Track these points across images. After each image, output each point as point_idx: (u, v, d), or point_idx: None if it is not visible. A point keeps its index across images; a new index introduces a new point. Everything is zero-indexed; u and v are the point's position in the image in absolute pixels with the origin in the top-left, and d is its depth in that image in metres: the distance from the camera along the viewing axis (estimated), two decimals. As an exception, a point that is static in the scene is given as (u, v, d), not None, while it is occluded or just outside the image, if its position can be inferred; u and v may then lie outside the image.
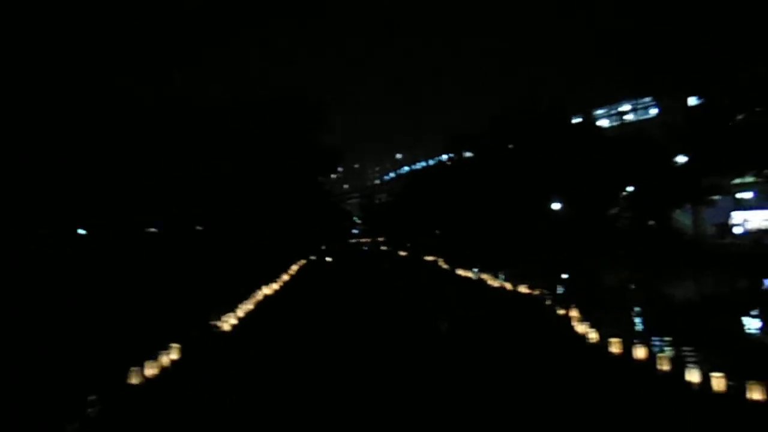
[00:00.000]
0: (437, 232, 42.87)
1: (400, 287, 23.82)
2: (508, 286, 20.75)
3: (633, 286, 22.12)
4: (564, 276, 25.28)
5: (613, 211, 22.68)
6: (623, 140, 22.41)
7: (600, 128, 25.67)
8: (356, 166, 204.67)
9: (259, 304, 18.55)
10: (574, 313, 14.17)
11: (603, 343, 11.63)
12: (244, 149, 23.94)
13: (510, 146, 28.63)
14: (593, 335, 12.07)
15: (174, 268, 17.08)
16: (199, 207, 20.50)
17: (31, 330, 11.39)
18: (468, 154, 35.83)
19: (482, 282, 24.41)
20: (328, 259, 49.46)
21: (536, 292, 18.36)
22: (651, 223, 25.63)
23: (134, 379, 9.35)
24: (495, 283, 22.49)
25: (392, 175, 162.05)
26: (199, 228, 20.36)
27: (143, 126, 18.68)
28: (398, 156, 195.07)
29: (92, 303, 13.40)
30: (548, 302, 16.49)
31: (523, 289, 19.54)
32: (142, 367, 9.72)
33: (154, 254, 17.89)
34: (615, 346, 11.00)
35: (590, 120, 24.71)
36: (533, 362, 10.48)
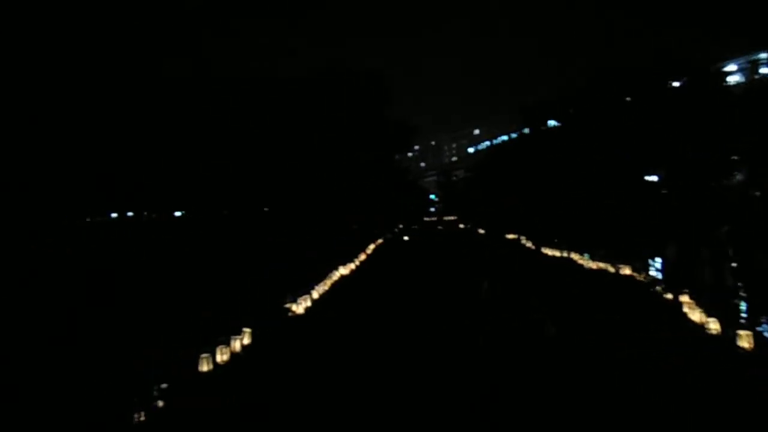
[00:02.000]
0: (519, 208, 40.79)
1: (483, 268, 22.43)
2: (607, 266, 18.79)
3: (734, 265, 19.69)
4: (657, 255, 22.96)
5: (729, 182, 19.94)
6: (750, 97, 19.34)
7: (723, 83, 22.34)
8: (433, 143, 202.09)
9: (335, 286, 18.07)
10: (684, 298, 12.38)
11: (727, 336, 9.93)
12: (315, 126, 23.39)
13: (601, 112, 26.02)
14: (714, 326, 10.35)
15: (245, 251, 16.87)
16: (271, 188, 20.21)
17: (95, 317, 11.37)
18: (552, 124, 33.35)
19: (573, 262, 22.53)
20: (405, 238, 48.84)
21: (641, 276, 16.34)
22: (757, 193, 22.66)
23: (205, 366, 8.99)
24: (590, 264, 20.51)
25: (470, 150, 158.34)
26: (269, 209, 20.05)
27: (205, 105, 18.54)
28: (476, 131, 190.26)
29: (165, 287, 13.36)
30: (656, 287, 14.57)
31: (625, 270, 17.53)
32: (213, 353, 9.36)
33: (225, 237, 17.79)
34: (744, 340, 9.29)
35: (706, 74, 21.63)
36: (651, 362, 8.88)
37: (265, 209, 19.88)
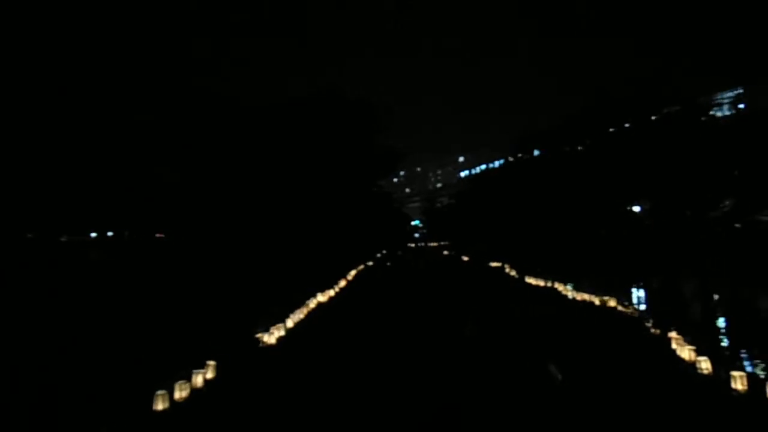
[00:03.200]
0: (502, 236, 40.50)
1: (466, 298, 21.80)
2: (592, 298, 18.26)
3: (717, 297, 19.37)
4: (641, 287, 22.57)
5: (715, 213, 19.71)
6: (734, 129, 19.29)
7: (707, 116, 22.28)
8: (418, 169, 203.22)
9: (312, 313, 17.32)
10: (673, 335, 11.91)
11: (719, 376, 9.45)
12: (295, 150, 22.86)
13: (587, 142, 25.94)
14: (705, 365, 9.85)
15: (215, 278, 16.09)
16: (245, 212, 19.50)
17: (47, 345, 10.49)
18: (537, 153, 33.33)
19: (557, 293, 22.02)
20: (388, 264, 48.20)
21: (628, 309, 15.77)
22: (737, 225, 22.66)
23: (160, 405, 8.22)
24: (575, 294, 19.99)
25: (456, 177, 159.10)
26: (244, 234, 19.30)
27: (186, 126, 18.01)
28: (461, 159, 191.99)
29: (125, 316, 12.51)
30: (644, 322, 14.06)
31: (611, 303, 16.99)
32: (171, 389, 8.60)
33: (194, 262, 17.00)
34: (738, 382, 8.80)
35: (694, 107, 21.57)
36: (646, 407, 8.30)
37: (239, 234, 19.14)
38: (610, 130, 24.52)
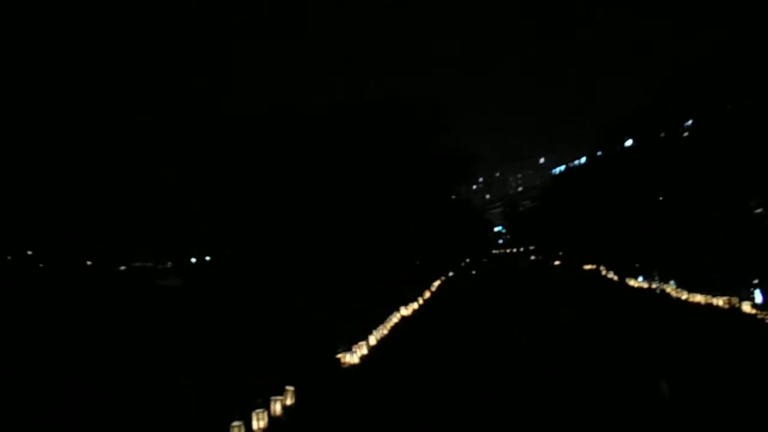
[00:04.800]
0: (595, 237, 37.77)
1: (564, 306, 19.99)
2: (711, 300, 15.92)
3: None
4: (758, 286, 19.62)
5: None
6: None
7: None
8: (497, 174, 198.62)
9: (395, 328, 16.48)
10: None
11: None
12: (368, 160, 22.29)
13: (687, 124, 23.28)
14: None
15: (292, 296, 15.69)
16: (322, 226, 19.10)
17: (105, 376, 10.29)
18: (628, 143, 30.68)
19: (668, 296, 19.68)
20: (473, 272, 46.62)
21: (764, 314, 13.32)
22: None
23: (236, 437, 7.65)
24: (688, 296, 17.60)
25: (538, 179, 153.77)
26: (320, 249, 18.89)
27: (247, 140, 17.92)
28: (541, 160, 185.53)
29: (195, 339, 12.30)
30: None
31: (745, 307, 14.49)
32: (248, 420, 8.02)
33: (267, 281, 16.74)
34: None
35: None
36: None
37: (316, 249, 18.78)
38: (725, 106, 21.55)
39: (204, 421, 7.94)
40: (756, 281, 19.88)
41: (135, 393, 9.29)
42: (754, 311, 13.92)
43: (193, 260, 23.45)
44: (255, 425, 8.12)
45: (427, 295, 26.08)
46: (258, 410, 8.28)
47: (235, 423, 7.72)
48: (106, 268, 20.69)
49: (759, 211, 23.60)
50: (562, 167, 67.88)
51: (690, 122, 23.47)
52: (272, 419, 8.52)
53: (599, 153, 37.44)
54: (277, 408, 8.81)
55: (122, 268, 22.71)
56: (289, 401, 9.17)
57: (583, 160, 49.94)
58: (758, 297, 17.17)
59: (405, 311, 19.59)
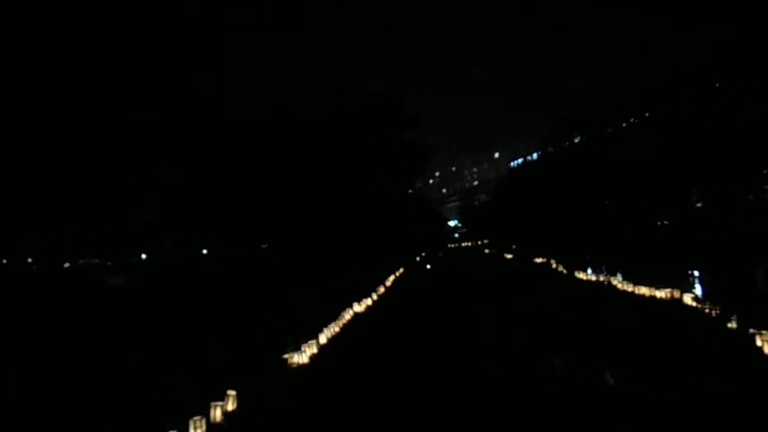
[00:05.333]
0: (546, 231, 38.61)
1: (516, 298, 20.27)
2: (654, 292, 16.41)
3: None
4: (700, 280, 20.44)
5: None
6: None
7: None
8: (453, 168, 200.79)
9: (347, 326, 16.23)
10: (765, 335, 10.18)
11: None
12: (322, 153, 21.92)
13: (633, 120, 23.99)
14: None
15: (236, 294, 15.21)
16: (269, 222, 18.64)
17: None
18: (577, 140, 31.42)
19: (614, 288, 20.20)
20: (428, 266, 46.86)
21: (705, 306, 13.71)
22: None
23: (171, 447, 7.24)
24: (633, 288, 18.11)
25: (492, 174, 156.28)
26: (268, 245, 18.42)
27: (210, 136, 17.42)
28: (496, 155, 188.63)
29: (131, 338, 11.71)
30: (725, 319, 12.11)
31: (686, 298, 14.95)
32: (184, 428, 7.61)
33: (211, 278, 16.20)
34: None
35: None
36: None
37: (263, 245, 18.27)
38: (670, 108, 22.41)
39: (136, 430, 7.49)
40: (696, 274, 20.76)
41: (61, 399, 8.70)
42: (694, 303, 14.41)
43: (144, 257, 22.67)
44: (192, 434, 7.72)
45: (382, 290, 25.96)
46: (195, 417, 7.88)
47: (170, 432, 7.32)
48: (50, 265, 19.79)
49: (699, 205, 24.62)
50: (518, 161, 68.99)
51: (634, 120, 24.21)
52: (211, 426, 8.14)
53: (550, 149, 38.25)
54: (217, 414, 8.42)
55: (66, 265, 21.77)
56: (230, 406, 8.79)
57: (535, 156, 50.99)
58: (698, 290, 17.86)
59: (358, 308, 19.35)
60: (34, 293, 16.58)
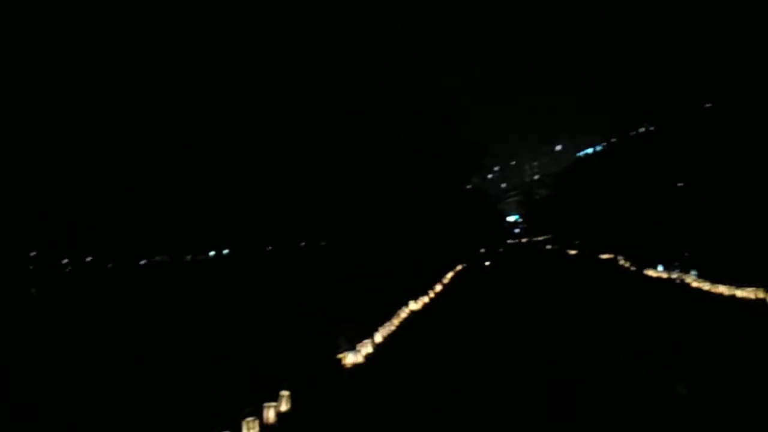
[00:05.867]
0: (612, 225, 36.76)
1: (578, 296, 19.32)
2: (738, 292, 15.00)
3: None
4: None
5: None
6: None
7: None
8: (513, 163, 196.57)
9: (403, 324, 15.94)
10: None
11: None
12: (378, 151, 21.67)
13: (709, 106, 22.25)
14: None
15: (292, 293, 15.19)
16: (329, 220, 18.55)
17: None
18: (643, 129, 29.63)
19: (689, 287, 18.76)
20: (486, 263, 45.88)
21: None
22: None
23: (223, 449, 7.18)
24: (716, 288, 16.60)
25: (554, 167, 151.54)
26: (327, 243, 18.34)
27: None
28: (558, 147, 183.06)
29: (184, 340, 11.85)
30: None
31: None
32: (236, 428, 7.55)
33: (268, 278, 16.23)
34: None
35: None
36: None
37: (323, 243, 18.23)
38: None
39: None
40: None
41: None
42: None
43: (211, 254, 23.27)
44: (245, 435, 7.65)
45: (439, 288, 25.49)
46: (248, 418, 7.80)
47: (222, 433, 7.26)
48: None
49: None
50: (583, 153, 66.00)
51: (709, 105, 22.41)
52: (264, 427, 8.05)
53: (614, 140, 36.37)
54: (270, 415, 8.32)
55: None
56: (283, 407, 8.68)
57: (599, 148, 48.77)
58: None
59: (415, 305, 19.03)
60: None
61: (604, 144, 45.30)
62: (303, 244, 17.48)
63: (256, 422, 7.87)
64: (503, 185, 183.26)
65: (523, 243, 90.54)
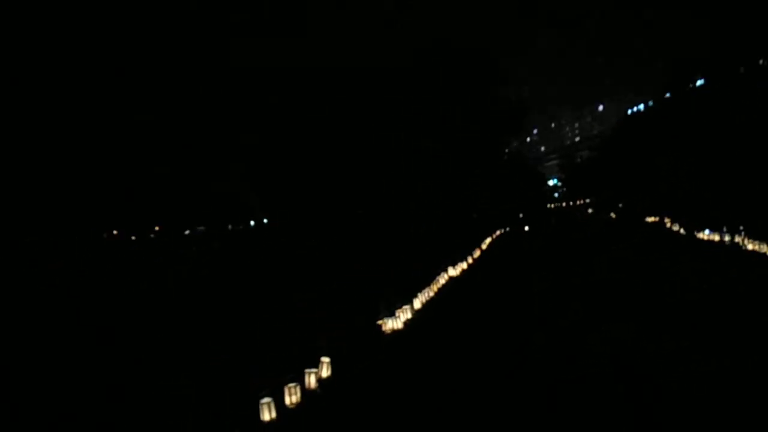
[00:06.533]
0: (659, 187, 35.28)
1: (625, 262, 18.62)
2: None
3: None
4: None
5: None
6: None
7: None
8: (552, 125, 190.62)
9: (441, 291, 15.80)
10: None
11: None
12: (415, 114, 21.14)
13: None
14: None
15: (332, 261, 15.17)
16: (365, 188, 18.34)
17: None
18: (700, 83, 27.88)
19: (740, 249, 17.88)
20: (526, 228, 45.12)
21: None
22: None
23: (266, 415, 7.24)
24: None
25: (597, 128, 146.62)
26: (363, 212, 18.19)
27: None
28: (600, 107, 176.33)
29: (223, 308, 11.98)
30: None
31: None
32: (279, 395, 7.60)
33: (306, 246, 16.21)
34: None
35: None
36: None
37: (359, 212, 18.12)
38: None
39: (231, 399, 7.59)
40: None
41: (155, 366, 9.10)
42: None
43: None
44: (287, 401, 7.68)
45: (478, 253, 25.19)
46: (290, 384, 7.84)
47: (265, 400, 7.30)
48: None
49: None
50: (635, 109, 62.44)
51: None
52: (306, 393, 8.09)
53: (667, 95, 34.49)
54: (311, 381, 8.35)
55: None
56: (324, 373, 8.70)
57: (642, 107, 46.54)
58: None
59: (453, 272, 18.84)
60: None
61: (653, 101, 43.19)
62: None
63: (298, 388, 7.90)
64: (543, 148, 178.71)
65: (563, 207, 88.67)
